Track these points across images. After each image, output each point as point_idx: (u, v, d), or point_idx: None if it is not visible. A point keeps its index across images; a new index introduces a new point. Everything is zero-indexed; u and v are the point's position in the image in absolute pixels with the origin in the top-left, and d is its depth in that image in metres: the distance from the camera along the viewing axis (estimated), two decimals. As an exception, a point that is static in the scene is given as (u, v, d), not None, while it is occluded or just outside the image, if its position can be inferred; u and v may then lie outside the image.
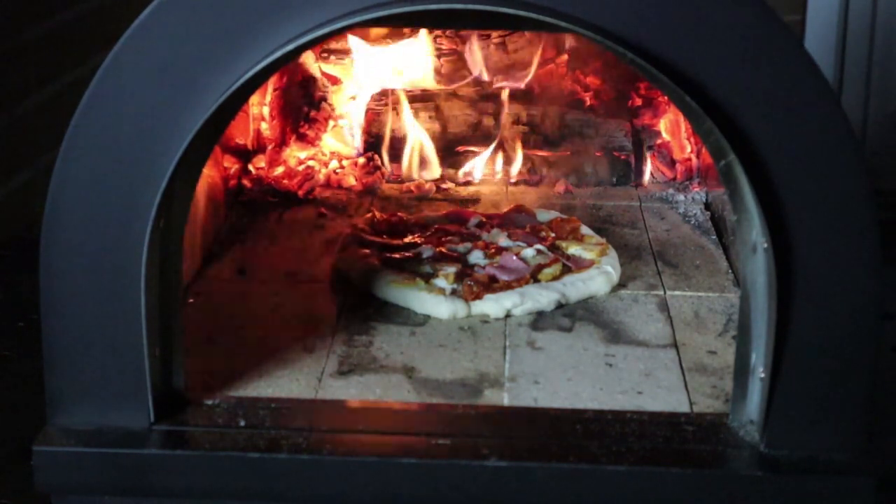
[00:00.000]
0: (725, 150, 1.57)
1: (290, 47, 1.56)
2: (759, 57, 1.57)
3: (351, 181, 2.59)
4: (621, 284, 2.14)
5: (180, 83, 1.60)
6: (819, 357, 1.63)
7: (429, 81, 2.70)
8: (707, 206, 2.49)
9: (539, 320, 2.02)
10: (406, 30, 2.63)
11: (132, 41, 1.60)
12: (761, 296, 1.61)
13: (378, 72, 2.72)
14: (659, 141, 2.65)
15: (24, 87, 2.65)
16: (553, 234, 2.26)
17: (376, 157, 2.65)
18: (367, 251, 2.17)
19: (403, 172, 2.63)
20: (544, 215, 2.35)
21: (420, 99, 2.67)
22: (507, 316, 2.03)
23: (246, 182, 2.54)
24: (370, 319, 2.03)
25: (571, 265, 2.15)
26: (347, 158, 2.67)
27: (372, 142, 2.66)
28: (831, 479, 1.61)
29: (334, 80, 2.77)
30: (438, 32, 2.67)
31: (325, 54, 2.73)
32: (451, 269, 2.09)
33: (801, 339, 1.62)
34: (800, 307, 1.61)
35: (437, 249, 2.17)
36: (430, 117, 2.65)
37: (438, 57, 2.71)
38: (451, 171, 2.63)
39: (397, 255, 2.16)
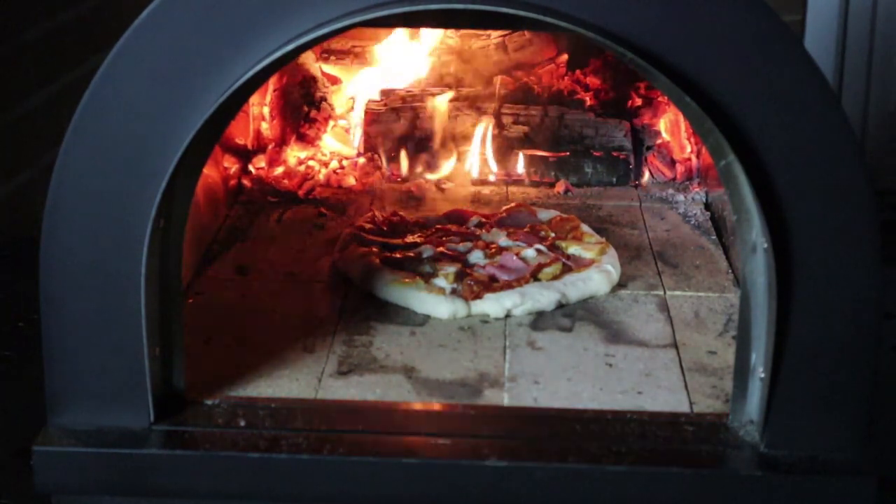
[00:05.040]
0: (725, 150, 1.57)
1: (290, 47, 1.56)
2: (759, 57, 1.57)
3: (351, 181, 2.59)
4: (621, 284, 2.14)
5: (180, 83, 1.60)
6: (819, 357, 1.63)
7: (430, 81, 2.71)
8: (707, 206, 2.49)
9: (539, 320, 2.02)
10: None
11: (132, 41, 1.60)
12: (761, 296, 1.61)
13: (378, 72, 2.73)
14: (659, 141, 2.65)
15: (24, 87, 2.65)
16: (553, 234, 2.26)
17: (376, 157, 2.65)
18: (367, 251, 2.17)
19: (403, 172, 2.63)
20: (544, 214, 2.35)
21: (420, 99, 2.67)
22: (507, 316, 2.03)
23: (246, 182, 2.54)
24: (370, 319, 2.02)
25: (571, 264, 2.15)
26: (347, 158, 2.67)
27: (372, 142, 2.66)
28: (831, 479, 1.61)
29: (334, 80, 2.77)
30: (441, 33, 2.67)
31: (325, 54, 2.73)
32: (451, 269, 2.09)
33: (801, 339, 1.62)
34: (800, 307, 1.61)
35: (437, 249, 2.17)
36: (430, 117, 2.65)
37: (438, 56, 2.71)
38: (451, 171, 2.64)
39: (397, 255, 2.16)
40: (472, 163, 2.64)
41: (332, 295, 2.11)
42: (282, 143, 2.67)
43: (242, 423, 1.69)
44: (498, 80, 2.71)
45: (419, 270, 2.11)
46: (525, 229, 2.28)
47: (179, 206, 1.66)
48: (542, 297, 2.05)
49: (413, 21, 1.73)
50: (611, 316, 2.04)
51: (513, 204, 2.42)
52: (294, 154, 2.67)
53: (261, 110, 2.58)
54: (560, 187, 2.59)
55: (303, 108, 2.72)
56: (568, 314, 2.05)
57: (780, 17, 1.57)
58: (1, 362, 2.26)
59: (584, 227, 2.30)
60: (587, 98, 2.69)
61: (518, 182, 2.62)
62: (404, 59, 2.72)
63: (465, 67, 2.70)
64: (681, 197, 2.54)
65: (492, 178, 2.63)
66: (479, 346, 1.94)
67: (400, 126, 2.65)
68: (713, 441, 1.67)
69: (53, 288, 1.65)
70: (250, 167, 2.57)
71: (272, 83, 2.58)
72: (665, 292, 2.12)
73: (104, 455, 1.65)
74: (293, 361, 1.88)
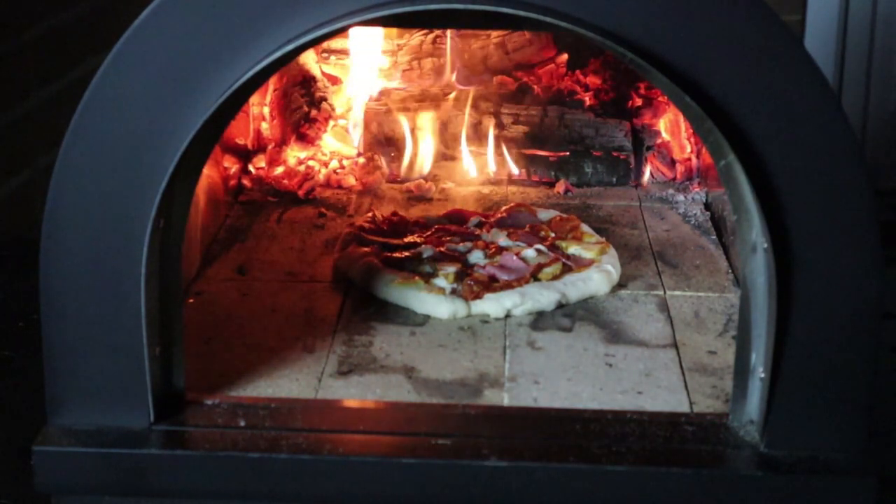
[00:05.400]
0: (725, 150, 1.57)
1: (290, 47, 1.56)
2: (759, 57, 1.57)
3: (351, 181, 2.59)
4: (621, 284, 2.14)
5: (180, 83, 1.60)
6: (819, 357, 1.63)
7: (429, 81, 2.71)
8: (707, 206, 2.49)
9: (539, 320, 2.02)
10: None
11: (132, 41, 1.60)
12: (761, 296, 1.61)
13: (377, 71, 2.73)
14: (659, 141, 2.65)
15: (24, 87, 2.65)
16: (553, 234, 2.26)
17: (376, 157, 2.65)
18: (367, 250, 2.17)
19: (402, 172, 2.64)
20: (544, 214, 2.35)
21: (420, 99, 2.67)
22: (507, 316, 2.03)
23: (246, 182, 2.54)
24: (370, 319, 2.03)
25: (571, 264, 2.15)
26: (347, 158, 2.67)
27: (372, 142, 2.66)
28: (831, 479, 1.61)
29: (334, 80, 2.77)
30: (438, 32, 2.67)
31: (325, 54, 2.73)
32: (451, 269, 2.09)
33: (801, 339, 1.62)
34: (800, 307, 1.61)
35: (437, 249, 2.17)
36: (430, 117, 2.65)
37: (438, 57, 2.71)
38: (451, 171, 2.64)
39: (397, 255, 2.16)
40: (472, 163, 2.64)
41: (332, 295, 2.11)
42: (282, 143, 2.67)
43: (242, 423, 1.69)
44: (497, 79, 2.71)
45: (419, 270, 2.11)
46: (525, 229, 2.28)
47: (179, 206, 1.66)
48: (542, 297, 2.05)
49: (413, 21, 1.73)
50: (611, 316, 2.04)
51: (513, 204, 2.42)
52: (294, 154, 2.67)
53: (261, 110, 2.58)
54: (560, 187, 2.60)
55: (303, 108, 2.72)
56: (568, 314, 2.05)
57: (780, 18, 1.57)
58: (1, 362, 2.26)
59: (584, 227, 2.30)
60: (587, 98, 2.69)
61: (518, 182, 2.63)
62: (404, 58, 2.72)
63: (465, 67, 2.71)
64: (681, 197, 2.54)
65: (491, 177, 2.63)
66: (479, 346, 1.94)
67: (400, 126, 2.65)
68: (713, 441, 1.67)
69: (53, 288, 1.65)
70: (250, 167, 2.57)
71: (272, 83, 2.58)
72: (665, 292, 2.12)
73: (104, 455, 1.65)
74: (293, 361, 1.88)
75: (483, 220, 2.33)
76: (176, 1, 1.59)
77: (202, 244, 2.24)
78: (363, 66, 2.73)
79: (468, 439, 1.66)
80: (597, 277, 2.10)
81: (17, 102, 2.63)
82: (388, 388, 1.81)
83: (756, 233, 1.60)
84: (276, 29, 1.58)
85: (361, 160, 2.65)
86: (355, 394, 1.80)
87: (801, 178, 1.59)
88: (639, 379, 1.84)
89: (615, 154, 2.63)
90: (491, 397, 1.79)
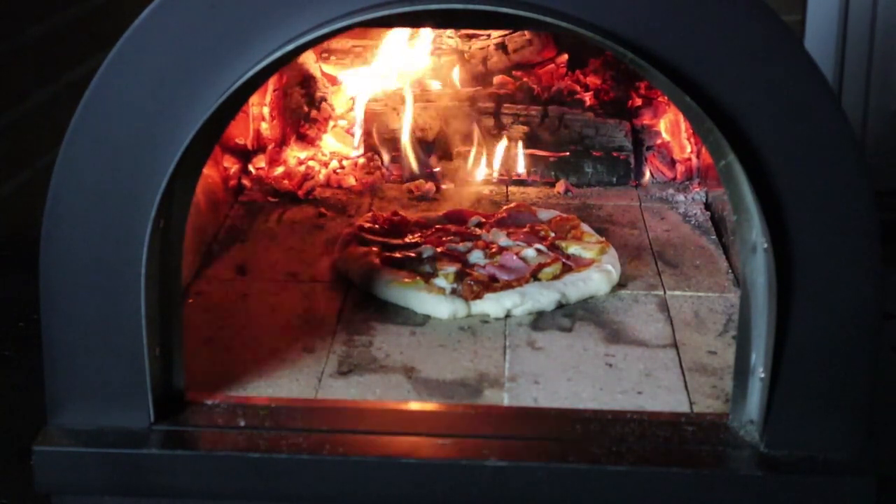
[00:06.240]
0: (725, 150, 1.57)
1: (290, 47, 1.56)
2: (759, 57, 1.57)
3: (351, 181, 2.59)
4: (621, 284, 2.14)
5: (180, 83, 1.60)
6: (819, 357, 1.63)
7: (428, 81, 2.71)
8: (707, 206, 2.49)
9: (539, 320, 2.02)
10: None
11: (132, 41, 1.60)
12: (761, 296, 1.61)
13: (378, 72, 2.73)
14: (659, 141, 2.65)
15: (24, 87, 2.64)
16: (553, 234, 2.26)
17: (376, 157, 2.65)
18: (367, 250, 2.17)
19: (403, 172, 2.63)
20: (544, 214, 2.35)
21: (420, 99, 2.67)
22: (507, 316, 2.03)
23: (246, 182, 2.54)
24: (370, 319, 2.02)
25: (571, 264, 2.15)
26: (347, 158, 2.67)
27: (372, 142, 2.66)
28: (831, 479, 1.61)
29: (334, 80, 2.77)
30: (439, 32, 2.67)
31: (325, 54, 2.73)
32: (451, 269, 2.09)
33: (801, 339, 1.62)
34: (800, 307, 1.61)
35: (438, 249, 2.17)
36: (430, 117, 2.65)
37: (438, 57, 2.71)
38: (450, 171, 2.64)
39: (397, 255, 2.16)
40: (473, 163, 2.64)
41: (332, 295, 2.11)
42: (282, 143, 2.67)
43: (242, 423, 1.69)
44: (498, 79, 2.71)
45: (419, 270, 2.11)
46: (525, 229, 2.28)
47: (179, 206, 1.66)
48: (542, 297, 2.05)
49: (413, 21, 1.73)
50: (611, 316, 2.04)
51: (513, 204, 2.42)
52: (294, 154, 2.67)
53: (261, 110, 2.58)
54: (560, 187, 2.59)
55: (303, 108, 2.72)
56: (568, 314, 2.05)
57: (780, 18, 1.57)
58: (1, 362, 2.26)
59: (584, 227, 2.30)
60: (587, 98, 2.69)
61: (518, 182, 2.62)
62: (404, 58, 2.72)
63: (465, 67, 2.71)
64: (681, 197, 2.54)
65: (493, 177, 2.63)
66: (479, 346, 1.94)
67: (400, 126, 2.65)
68: (713, 441, 1.67)
69: (53, 288, 1.65)
70: (250, 167, 2.57)
71: (272, 83, 2.58)
72: (665, 292, 2.12)
73: (104, 455, 1.65)
74: (293, 361, 1.88)
75: (483, 220, 2.33)
76: (176, 1, 1.59)
77: (202, 244, 2.24)
78: (364, 65, 2.73)
79: (468, 439, 1.66)
80: (597, 277, 2.10)
81: (17, 102, 2.62)
82: (388, 388, 1.81)
83: (756, 233, 1.60)
84: (276, 29, 1.58)
85: (361, 160, 2.65)
86: (355, 394, 1.80)
87: (801, 178, 1.59)
88: (639, 379, 1.84)
89: (615, 154, 2.63)
90: (491, 397, 1.79)
